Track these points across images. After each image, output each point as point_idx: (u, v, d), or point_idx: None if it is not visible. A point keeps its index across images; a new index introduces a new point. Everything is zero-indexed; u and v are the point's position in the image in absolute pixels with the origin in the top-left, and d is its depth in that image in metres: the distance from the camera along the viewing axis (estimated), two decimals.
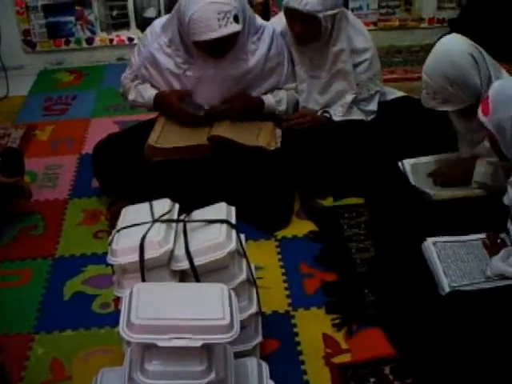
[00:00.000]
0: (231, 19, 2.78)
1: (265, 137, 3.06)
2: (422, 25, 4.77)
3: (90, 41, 4.59)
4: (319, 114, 3.20)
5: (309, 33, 3.00)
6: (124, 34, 4.60)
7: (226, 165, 2.96)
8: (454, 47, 2.67)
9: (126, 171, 2.95)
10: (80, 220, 3.07)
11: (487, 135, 2.40)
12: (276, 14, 3.86)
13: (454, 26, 4.56)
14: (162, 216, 2.07)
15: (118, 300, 2.20)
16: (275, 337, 2.36)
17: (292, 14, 2.98)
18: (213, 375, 1.72)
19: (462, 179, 2.80)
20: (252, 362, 1.98)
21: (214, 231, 2.04)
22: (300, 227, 2.95)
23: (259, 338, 2.15)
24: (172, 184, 2.83)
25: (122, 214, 2.19)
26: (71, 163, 3.51)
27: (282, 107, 3.19)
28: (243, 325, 1.96)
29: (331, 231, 2.90)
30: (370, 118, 3.21)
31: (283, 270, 2.71)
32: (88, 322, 2.50)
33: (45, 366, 2.32)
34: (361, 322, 2.44)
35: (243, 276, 2.06)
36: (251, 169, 2.94)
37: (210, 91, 3.06)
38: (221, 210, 2.14)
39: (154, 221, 2.05)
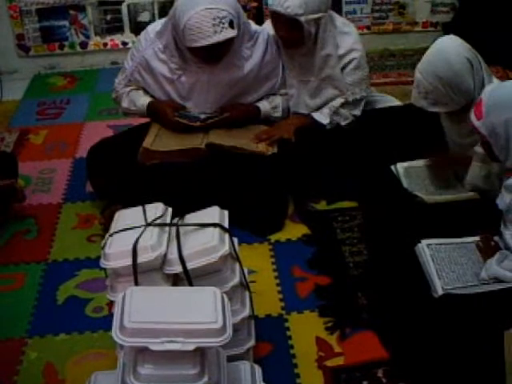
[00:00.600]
0: (226, 25, 2.78)
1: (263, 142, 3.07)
2: (416, 29, 4.78)
3: (83, 45, 4.59)
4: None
5: (292, 36, 3.00)
6: (118, 39, 4.59)
7: (220, 169, 2.96)
8: (451, 49, 2.67)
9: (119, 175, 2.95)
10: (74, 224, 3.07)
11: (480, 139, 2.40)
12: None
13: (448, 30, 4.57)
14: (154, 220, 2.08)
15: (111, 304, 2.20)
16: (268, 340, 2.37)
17: (275, 18, 2.98)
18: (205, 379, 1.73)
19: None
20: (245, 366, 1.98)
21: (206, 235, 2.04)
22: (293, 231, 2.96)
23: (252, 342, 2.15)
24: (165, 188, 2.83)
25: (115, 218, 2.19)
26: (65, 167, 3.51)
27: (278, 114, 3.21)
28: (236, 328, 1.97)
29: (324, 235, 2.91)
30: (345, 123, 3.20)
31: (276, 274, 2.72)
32: (81, 326, 2.50)
33: (38, 371, 2.32)
34: (354, 325, 2.45)
35: (236, 280, 2.06)
36: (245, 173, 2.94)
37: (204, 97, 3.07)
38: (214, 213, 2.15)
39: (147, 225, 2.06)
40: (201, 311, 1.75)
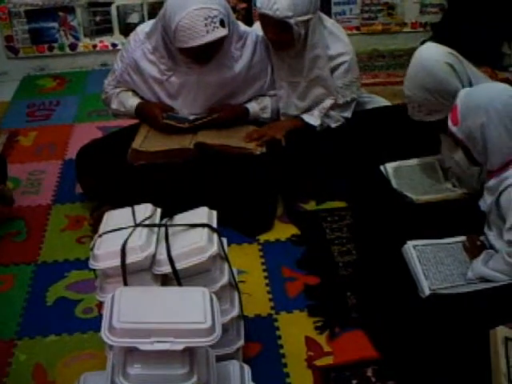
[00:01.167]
0: (218, 24, 2.78)
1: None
2: (405, 29, 4.80)
3: (73, 47, 4.58)
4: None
5: (282, 38, 2.99)
6: (107, 40, 4.60)
7: (209, 169, 2.97)
8: (429, 58, 2.68)
9: (109, 176, 2.95)
10: (63, 225, 3.07)
11: (459, 144, 2.42)
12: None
13: (437, 30, 4.60)
14: (143, 220, 2.08)
15: (101, 305, 2.21)
16: (258, 340, 2.37)
17: (264, 20, 2.98)
18: (195, 378, 1.73)
19: None
20: (234, 366, 1.99)
21: (195, 235, 2.04)
22: (283, 231, 2.97)
23: (241, 342, 2.16)
24: (155, 188, 2.84)
25: (104, 218, 2.19)
26: (54, 169, 3.50)
27: (267, 115, 3.21)
28: (225, 328, 1.98)
29: (314, 235, 2.92)
30: (335, 125, 3.20)
31: (266, 274, 2.73)
32: (71, 327, 2.50)
33: (27, 372, 2.32)
34: (343, 324, 2.45)
35: (225, 280, 2.07)
36: (234, 173, 2.94)
37: (193, 97, 3.07)
38: (202, 214, 2.15)
39: (136, 225, 2.06)
40: (190, 311, 1.76)
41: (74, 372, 2.18)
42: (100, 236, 2.07)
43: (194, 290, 1.86)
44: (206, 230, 2.06)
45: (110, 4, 4.51)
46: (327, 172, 3.12)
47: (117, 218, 2.16)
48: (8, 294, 2.69)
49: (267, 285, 2.67)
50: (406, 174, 2.98)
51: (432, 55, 2.68)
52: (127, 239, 1.98)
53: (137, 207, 2.17)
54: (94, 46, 4.61)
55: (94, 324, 2.40)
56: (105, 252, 1.99)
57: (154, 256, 2.00)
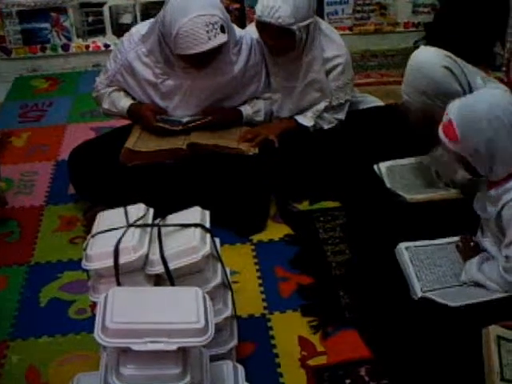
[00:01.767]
0: (218, 30, 2.77)
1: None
2: (398, 29, 4.80)
3: (65, 47, 4.58)
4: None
5: (283, 44, 2.99)
6: (100, 41, 4.59)
7: (202, 169, 2.96)
8: (426, 62, 2.68)
9: (101, 177, 2.95)
10: (56, 226, 3.07)
11: (458, 159, 2.31)
12: (252, 20, 3.86)
13: (430, 30, 4.61)
14: (136, 221, 2.08)
15: (94, 305, 2.20)
16: (251, 340, 2.37)
17: (264, 27, 2.96)
18: (188, 378, 1.73)
19: None
20: (228, 365, 1.99)
21: (188, 235, 2.04)
22: (276, 231, 2.97)
23: (235, 342, 2.16)
24: (148, 189, 2.84)
25: (96, 219, 2.19)
26: (47, 170, 3.50)
27: (260, 118, 3.21)
28: (218, 328, 1.98)
29: (307, 235, 2.92)
30: (328, 127, 3.21)
31: (259, 274, 2.73)
32: (64, 328, 2.49)
33: (20, 374, 2.31)
34: (336, 324, 2.45)
35: (218, 280, 2.07)
36: (227, 173, 2.94)
37: (187, 100, 3.06)
38: (195, 214, 2.15)
39: (129, 226, 2.06)
40: (183, 311, 1.75)
41: (68, 373, 2.16)
42: (93, 236, 2.07)
43: (187, 289, 1.86)
44: (198, 229, 2.06)
45: (102, 4, 4.50)
46: (320, 172, 3.12)
47: (109, 218, 2.15)
48: (1, 295, 2.68)
49: (260, 285, 2.67)
50: (399, 173, 2.99)
51: (429, 59, 2.67)
52: (120, 239, 1.98)
53: (129, 207, 2.17)
54: (87, 47, 4.60)
55: (88, 325, 2.39)
56: (98, 252, 1.99)
57: (146, 256, 2.00)
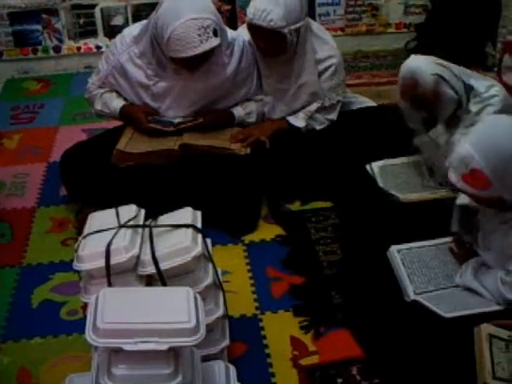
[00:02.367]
0: (211, 34, 2.77)
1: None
2: (389, 30, 4.80)
3: (57, 49, 4.57)
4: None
5: (274, 47, 2.99)
6: (91, 42, 4.58)
7: (194, 170, 2.97)
8: (414, 72, 2.67)
9: (94, 178, 2.95)
10: (48, 228, 3.06)
11: (486, 204, 2.20)
12: (244, 21, 3.86)
13: (421, 31, 4.62)
14: (128, 221, 2.08)
15: (85, 306, 2.19)
16: (243, 340, 2.38)
17: (256, 30, 2.96)
18: (179, 378, 1.73)
19: None
20: (219, 366, 1.99)
21: (179, 236, 2.05)
22: (268, 231, 2.97)
23: (226, 342, 2.16)
24: (139, 189, 2.84)
25: (88, 220, 2.19)
26: (39, 172, 3.49)
27: (252, 119, 3.20)
28: (210, 328, 1.98)
29: (298, 235, 2.93)
30: (320, 127, 3.21)
31: (251, 274, 2.73)
32: (56, 330, 2.50)
33: (11, 376, 2.31)
34: (328, 324, 2.46)
35: (209, 280, 2.07)
36: (218, 174, 2.95)
37: (179, 101, 3.06)
38: (187, 214, 2.15)
39: (120, 226, 2.06)
40: (174, 311, 1.76)
41: (59, 374, 2.15)
42: (84, 237, 2.07)
43: (179, 290, 1.86)
44: (190, 230, 2.06)
45: (94, 6, 4.49)
46: (312, 172, 3.12)
47: (101, 219, 2.15)
48: None
49: (252, 285, 2.68)
50: (391, 172, 3.00)
51: (419, 68, 2.67)
52: (111, 240, 1.98)
53: (121, 208, 2.17)
54: (79, 49, 4.59)
55: (79, 326, 2.38)
56: (89, 253, 1.99)
57: (138, 257, 2.00)
